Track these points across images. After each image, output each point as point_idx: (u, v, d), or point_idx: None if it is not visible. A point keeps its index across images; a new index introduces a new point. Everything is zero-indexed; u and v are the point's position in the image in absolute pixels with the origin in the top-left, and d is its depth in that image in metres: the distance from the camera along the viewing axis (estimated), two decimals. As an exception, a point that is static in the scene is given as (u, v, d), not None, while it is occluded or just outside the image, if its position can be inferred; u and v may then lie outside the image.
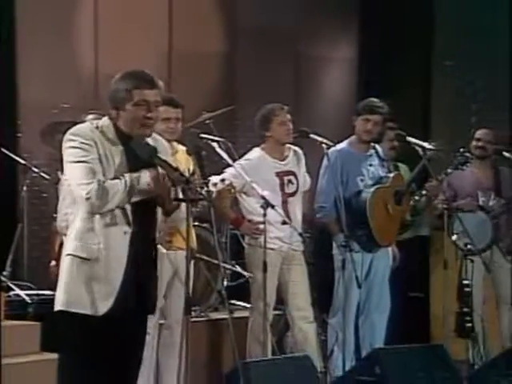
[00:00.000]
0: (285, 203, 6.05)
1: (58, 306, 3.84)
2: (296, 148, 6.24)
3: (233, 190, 5.89)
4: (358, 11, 8.98)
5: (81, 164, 3.80)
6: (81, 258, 3.79)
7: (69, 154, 3.83)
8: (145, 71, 3.93)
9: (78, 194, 3.80)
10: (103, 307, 3.78)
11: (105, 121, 3.92)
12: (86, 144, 3.81)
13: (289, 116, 6.12)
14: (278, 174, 6.11)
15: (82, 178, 3.78)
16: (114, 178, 3.81)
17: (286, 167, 6.15)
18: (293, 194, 6.14)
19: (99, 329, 3.77)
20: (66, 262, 3.84)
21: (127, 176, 3.82)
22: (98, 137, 3.85)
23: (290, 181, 6.14)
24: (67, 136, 3.87)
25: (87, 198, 3.76)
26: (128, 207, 3.83)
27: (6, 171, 6.55)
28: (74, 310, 3.78)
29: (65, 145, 3.86)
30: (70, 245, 3.85)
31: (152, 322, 5.51)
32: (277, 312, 6.33)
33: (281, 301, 6.20)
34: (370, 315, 6.40)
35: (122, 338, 3.83)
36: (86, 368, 3.79)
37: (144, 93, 3.85)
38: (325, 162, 6.28)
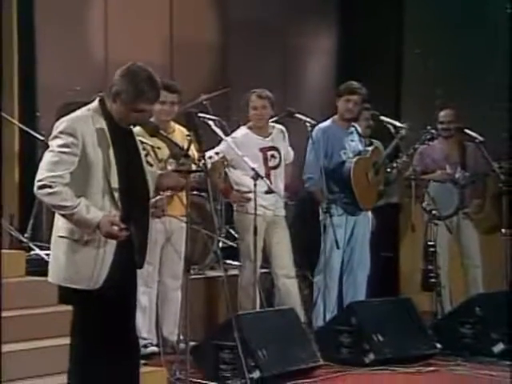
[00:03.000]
0: (268, 175, 6.07)
1: (58, 281, 3.79)
2: (279, 126, 6.26)
3: (226, 162, 5.90)
4: (337, 7, 8.97)
5: (54, 155, 3.67)
6: (73, 240, 3.71)
7: (53, 140, 3.72)
8: (154, 80, 3.76)
9: (36, 179, 3.67)
10: (96, 283, 3.71)
11: (96, 106, 3.78)
12: (70, 138, 3.68)
13: (261, 102, 6.08)
14: (261, 150, 6.13)
15: (46, 168, 3.65)
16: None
17: (269, 143, 6.17)
18: (275, 167, 6.16)
19: (97, 296, 3.73)
20: (60, 243, 3.74)
21: (92, 211, 3.66)
22: (90, 122, 3.72)
23: (272, 155, 6.16)
24: (60, 125, 3.73)
25: (38, 187, 3.64)
26: (116, 193, 3.71)
27: (26, 146, 6.56)
28: (71, 286, 3.74)
29: (55, 131, 3.73)
30: (62, 227, 3.74)
31: (154, 278, 5.58)
32: (264, 270, 6.35)
33: (267, 260, 6.24)
34: (353, 273, 6.44)
35: (118, 299, 3.79)
36: (92, 321, 3.77)
37: (144, 106, 3.76)
38: (311, 138, 6.29)
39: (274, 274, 6.18)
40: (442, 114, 6.92)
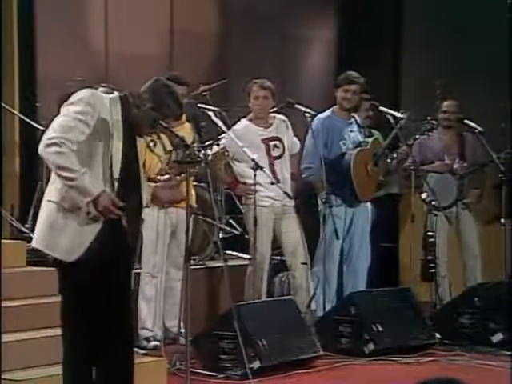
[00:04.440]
0: (272, 165, 6.04)
1: (37, 245, 3.72)
2: (281, 116, 6.21)
3: (226, 153, 5.86)
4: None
5: (71, 119, 3.62)
6: (64, 207, 3.66)
7: (70, 106, 3.68)
8: (178, 99, 3.79)
9: (43, 138, 3.62)
10: (73, 255, 3.66)
11: (115, 98, 3.78)
12: (88, 109, 3.65)
13: (263, 92, 6.01)
14: (263, 141, 6.09)
15: (62, 126, 3.61)
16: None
17: (270, 134, 6.13)
18: (279, 157, 6.12)
19: (72, 271, 3.68)
20: (47, 208, 3.69)
21: (94, 182, 3.64)
22: (107, 106, 3.72)
23: (275, 145, 6.12)
24: (79, 95, 3.70)
25: (45, 145, 3.58)
26: (116, 183, 3.69)
27: (26, 136, 6.52)
28: (49, 252, 3.70)
29: (74, 98, 3.69)
30: (55, 193, 3.68)
31: (160, 268, 5.56)
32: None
33: (275, 250, 6.22)
34: (352, 264, 6.41)
35: (102, 281, 3.74)
36: (72, 300, 3.75)
37: (167, 123, 3.80)
38: (311, 128, 6.25)
39: (289, 262, 6.16)
40: (445, 104, 6.89)
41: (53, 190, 3.72)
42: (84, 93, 3.73)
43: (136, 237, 3.87)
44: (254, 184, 5.77)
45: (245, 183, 6.03)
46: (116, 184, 3.72)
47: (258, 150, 5.97)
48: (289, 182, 6.14)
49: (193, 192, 5.59)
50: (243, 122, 6.13)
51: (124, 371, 3.86)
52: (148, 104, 3.75)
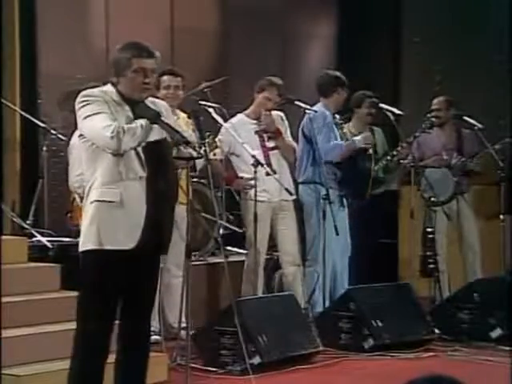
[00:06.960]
0: (267, 157, 5.98)
1: (88, 246, 3.73)
2: (277, 112, 6.16)
3: (214, 144, 5.82)
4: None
5: (99, 114, 3.74)
6: (106, 201, 3.72)
7: (84, 110, 3.77)
8: (142, 43, 3.90)
9: (101, 137, 3.70)
10: (131, 242, 3.71)
11: (108, 87, 3.86)
12: (99, 101, 3.77)
13: (276, 92, 5.99)
14: (257, 133, 6.04)
15: (102, 122, 3.72)
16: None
17: (263, 126, 6.07)
18: (274, 148, 6.07)
19: (125, 262, 3.73)
20: (92, 208, 3.74)
21: (142, 120, 3.78)
22: (107, 98, 3.80)
23: (270, 137, 6.07)
24: (80, 98, 3.83)
25: (112, 137, 3.68)
26: (142, 154, 3.76)
27: (28, 134, 6.52)
28: (106, 248, 3.71)
29: (78, 105, 3.81)
30: (94, 193, 3.76)
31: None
32: (267, 256, 6.31)
33: (271, 246, 6.20)
34: (335, 259, 6.40)
35: (142, 274, 3.82)
36: (106, 302, 3.76)
37: (142, 61, 3.81)
38: (320, 122, 6.24)
39: (281, 260, 6.15)
40: (434, 101, 6.89)
41: (92, 191, 3.76)
42: (84, 93, 3.84)
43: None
44: (255, 179, 5.74)
45: (242, 177, 6.02)
46: (146, 169, 3.76)
47: (252, 142, 5.93)
48: (288, 175, 6.11)
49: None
50: (238, 116, 6.12)
51: (141, 362, 3.89)
52: (112, 67, 3.83)
